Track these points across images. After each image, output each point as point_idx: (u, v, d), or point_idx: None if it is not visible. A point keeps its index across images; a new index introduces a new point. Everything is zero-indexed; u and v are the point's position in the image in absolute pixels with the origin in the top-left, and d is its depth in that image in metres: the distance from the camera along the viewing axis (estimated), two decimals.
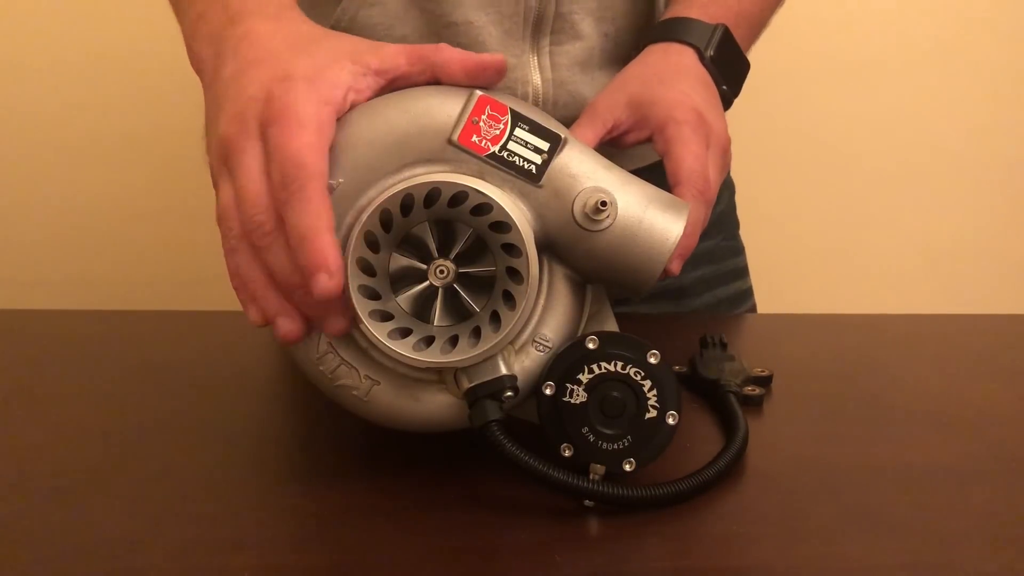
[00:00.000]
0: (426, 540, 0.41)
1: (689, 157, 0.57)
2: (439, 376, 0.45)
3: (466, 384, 0.44)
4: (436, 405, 0.46)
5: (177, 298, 1.42)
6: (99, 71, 1.38)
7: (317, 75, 0.44)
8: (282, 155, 0.41)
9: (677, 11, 0.67)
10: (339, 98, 0.44)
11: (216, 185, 0.45)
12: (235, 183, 0.43)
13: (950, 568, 0.40)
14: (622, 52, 0.74)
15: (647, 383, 0.44)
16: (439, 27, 0.68)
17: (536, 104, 0.70)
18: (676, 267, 0.53)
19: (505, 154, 0.44)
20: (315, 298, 0.40)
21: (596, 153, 0.47)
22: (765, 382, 0.59)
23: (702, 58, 0.64)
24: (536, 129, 0.45)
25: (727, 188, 0.87)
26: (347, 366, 0.45)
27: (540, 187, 0.45)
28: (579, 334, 0.47)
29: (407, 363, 0.44)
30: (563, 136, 0.45)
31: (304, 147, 0.41)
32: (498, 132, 0.45)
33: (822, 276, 1.56)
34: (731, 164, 0.64)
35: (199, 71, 0.51)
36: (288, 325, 0.43)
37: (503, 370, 0.44)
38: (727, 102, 0.66)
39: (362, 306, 0.43)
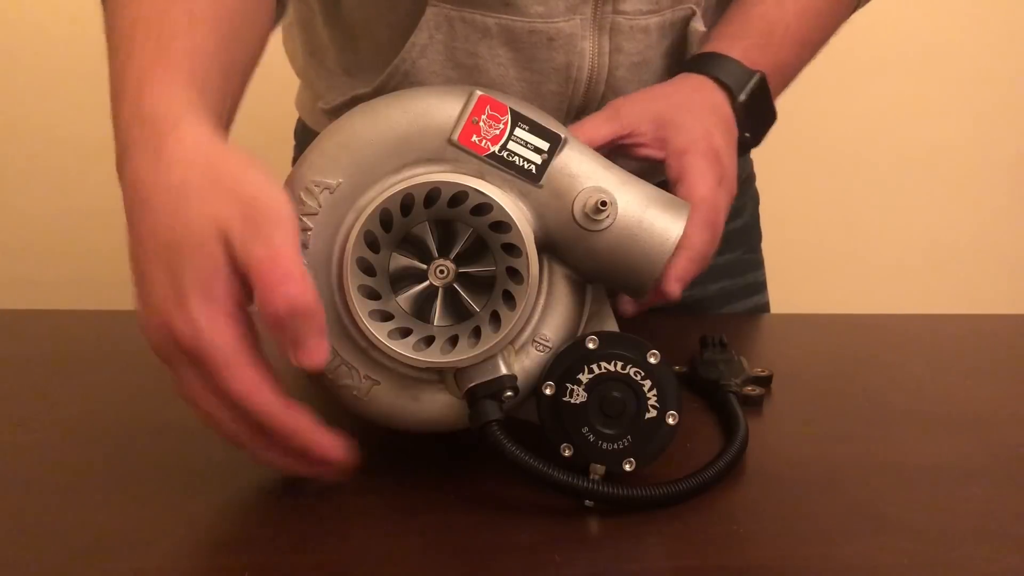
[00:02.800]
0: (426, 540, 0.41)
1: (703, 186, 0.57)
2: (439, 376, 0.45)
3: (466, 384, 0.44)
4: (436, 405, 0.46)
5: None
6: (100, 71, 1.38)
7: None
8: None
9: (721, 45, 0.66)
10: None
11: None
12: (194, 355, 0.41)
13: (950, 568, 0.39)
14: None
15: (647, 383, 0.44)
16: None
17: None
18: (676, 290, 0.54)
19: (505, 154, 0.44)
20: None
21: (596, 153, 0.47)
22: (765, 382, 0.59)
23: (733, 101, 0.64)
24: (536, 129, 0.45)
25: (751, 199, 0.86)
26: (347, 366, 0.45)
27: (540, 187, 0.45)
28: (579, 334, 0.47)
29: (407, 363, 0.44)
30: (563, 136, 0.45)
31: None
32: (498, 132, 0.45)
33: (822, 276, 1.56)
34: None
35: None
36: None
37: (503, 370, 0.44)
38: (744, 148, 0.65)
39: (362, 306, 0.43)
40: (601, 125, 0.59)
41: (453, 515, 0.43)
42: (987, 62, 1.53)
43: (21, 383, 0.60)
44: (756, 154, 0.84)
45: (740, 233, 0.82)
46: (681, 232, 0.46)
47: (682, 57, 0.69)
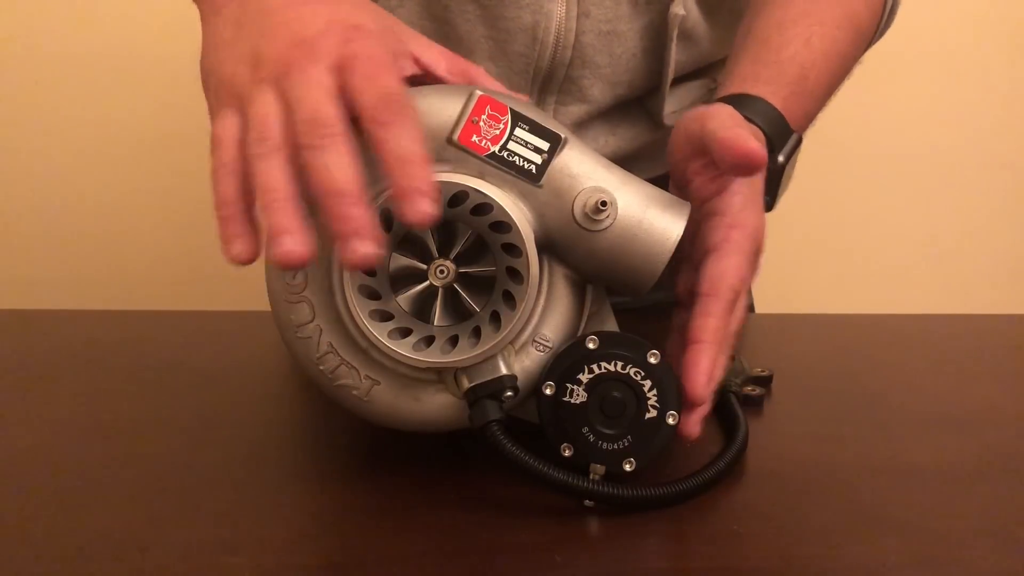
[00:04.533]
0: (426, 540, 0.41)
1: (734, 272, 0.49)
2: (439, 376, 0.45)
3: (466, 384, 0.44)
4: (436, 405, 0.46)
5: (177, 298, 1.42)
6: (101, 71, 1.38)
7: (383, 35, 0.43)
8: (375, 85, 0.41)
9: (761, 91, 0.58)
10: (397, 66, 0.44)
11: (247, 99, 0.42)
12: (292, 94, 0.41)
13: (951, 568, 0.39)
14: (624, 111, 0.72)
15: (647, 383, 0.44)
16: None
17: None
18: (695, 430, 0.46)
19: (505, 154, 0.44)
20: (412, 218, 0.39)
21: (596, 153, 0.47)
22: (765, 382, 0.59)
23: (769, 159, 0.55)
24: (536, 129, 0.45)
25: None
26: (347, 366, 0.45)
27: (540, 187, 0.45)
28: (579, 334, 0.47)
29: (407, 363, 0.44)
30: (563, 136, 0.45)
31: (397, 82, 0.41)
32: (498, 132, 0.45)
33: (822, 276, 1.56)
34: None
35: None
36: (294, 244, 0.39)
37: (503, 370, 0.44)
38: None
39: (362, 306, 0.43)
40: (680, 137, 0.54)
41: (453, 515, 0.43)
42: (987, 62, 1.53)
43: (21, 383, 0.60)
44: None
45: None
46: (681, 232, 0.46)
47: (661, 41, 0.68)
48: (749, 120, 0.55)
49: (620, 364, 0.44)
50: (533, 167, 0.45)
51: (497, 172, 0.44)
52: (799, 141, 0.60)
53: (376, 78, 0.41)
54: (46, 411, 0.55)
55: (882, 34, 0.73)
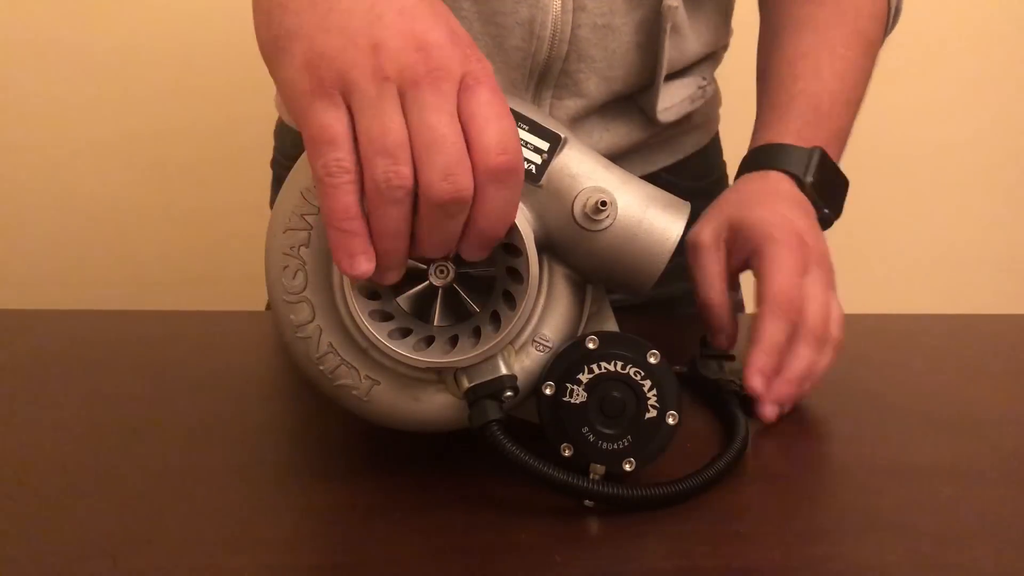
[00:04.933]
0: (426, 540, 0.41)
1: (780, 276, 0.56)
2: (439, 376, 0.45)
3: (466, 384, 0.44)
4: (436, 405, 0.46)
5: (177, 298, 1.42)
6: (101, 71, 1.38)
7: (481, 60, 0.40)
8: (498, 129, 0.39)
9: (769, 137, 0.66)
10: None
11: (364, 95, 0.39)
12: (421, 116, 0.38)
13: (950, 568, 0.39)
14: (619, 107, 0.73)
15: (647, 383, 0.44)
16: None
17: None
18: (757, 384, 0.53)
19: None
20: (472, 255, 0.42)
21: (596, 153, 0.47)
22: None
23: (801, 185, 0.64)
24: (536, 129, 0.45)
25: None
26: (347, 366, 0.45)
27: (540, 187, 0.45)
28: (579, 334, 0.47)
29: (407, 363, 0.44)
30: (563, 136, 0.45)
31: (513, 125, 0.40)
32: None
33: None
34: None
35: None
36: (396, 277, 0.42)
37: (503, 370, 0.44)
38: (827, 223, 0.66)
39: (362, 306, 0.43)
40: (711, 266, 0.60)
41: (453, 515, 0.43)
42: (988, 63, 1.53)
43: (21, 383, 0.60)
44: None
45: None
46: (681, 231, 0.46)
47: (654, 34, 0.69)
48: (771, 168, 0.63)
49: (620, 364, 0.44)
50: (533, 167, 0.45)
51: None
52: (823, 155, 0.65)
53: (500, 119, 0.39)
54: (46, 411, 0.55)
55: (889, 33, 0.74)
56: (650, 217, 0.45)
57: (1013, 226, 1.60)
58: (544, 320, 0.46)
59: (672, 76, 0.73)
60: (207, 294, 1.39)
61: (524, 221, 0.44)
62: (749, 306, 0.85)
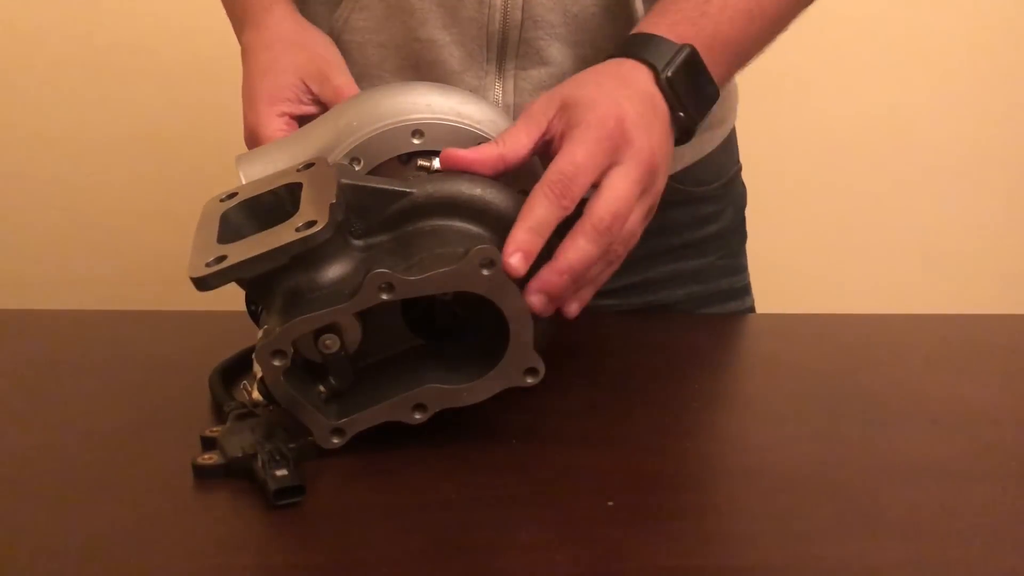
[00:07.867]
0: (426, 539, 0.41)
1: (566, 156, 0.51)
2: None
3: None
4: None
5: (176, 298, 1.41)
6: (102, 72, 1.38)
7: None
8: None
9: (646, 25, 0.61)
10: None
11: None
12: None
13: (950, 568, 0.40)
14: None
15: None
16: (409, 40, 0.67)
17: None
18: (537, 302, 0.49)
19: None
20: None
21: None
22: None
23: (658, 79, 0.57)
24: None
25: (733, 202, 0.81)
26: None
27: None
28: None
29: None
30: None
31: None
32: None
33: (822, 276, 1.56)
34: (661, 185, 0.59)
35: None
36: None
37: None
38: (687, 132, 0.60)
39: None
40: (519, 133, 0.54)
41: (453, 514, 0.43)
42: (987, 63, 1.53)
43: (21, 383, 0.60)
44: (752, 153, 0.83)
45: (715, 238, 0.79)
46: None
47: (620, 8, 0.66)
48: (631, 57, 0.58)
49: None
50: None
51: None
52: (692, 54, 0.58)
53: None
54: (46, 411, 0.55)
55: None
56: None
57: (1013, 226, 1.60)
58: None
59: None
60: (207, 294, 1.38)
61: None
62: (759, 307, 0.84)
